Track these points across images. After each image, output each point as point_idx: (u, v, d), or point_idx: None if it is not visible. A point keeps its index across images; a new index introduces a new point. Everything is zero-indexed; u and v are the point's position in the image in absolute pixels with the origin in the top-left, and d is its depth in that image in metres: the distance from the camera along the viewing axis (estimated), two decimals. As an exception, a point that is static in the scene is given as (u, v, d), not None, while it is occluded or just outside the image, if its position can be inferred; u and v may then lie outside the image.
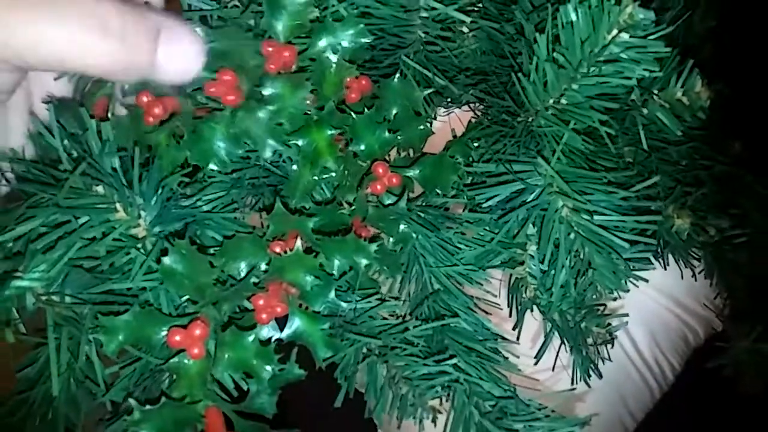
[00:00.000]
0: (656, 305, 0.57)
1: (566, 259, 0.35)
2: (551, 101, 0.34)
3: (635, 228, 0.35)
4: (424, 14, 0.33)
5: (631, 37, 0.30)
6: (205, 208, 0.35)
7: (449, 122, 0.45)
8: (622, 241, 0.33)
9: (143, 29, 0.30)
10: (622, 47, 0.31)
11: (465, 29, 0.36)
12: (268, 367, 0.29)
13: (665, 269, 0.48)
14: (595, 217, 0.34)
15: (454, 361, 0.33)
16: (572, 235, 0.35)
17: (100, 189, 0.31)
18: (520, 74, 0.33)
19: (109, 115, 0.35)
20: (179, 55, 0.31)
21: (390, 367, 0.33)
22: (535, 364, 0.40)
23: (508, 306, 0.41)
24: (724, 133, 0.48)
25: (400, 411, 0.33)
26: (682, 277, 0.51)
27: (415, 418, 0.33)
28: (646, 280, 0.35)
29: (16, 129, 0.34)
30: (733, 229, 0.46)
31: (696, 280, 0.52)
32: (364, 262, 0.33)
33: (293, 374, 0.31)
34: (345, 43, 0.33)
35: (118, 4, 0.29)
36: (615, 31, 0.30)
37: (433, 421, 0.33)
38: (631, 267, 0.35)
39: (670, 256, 0.48)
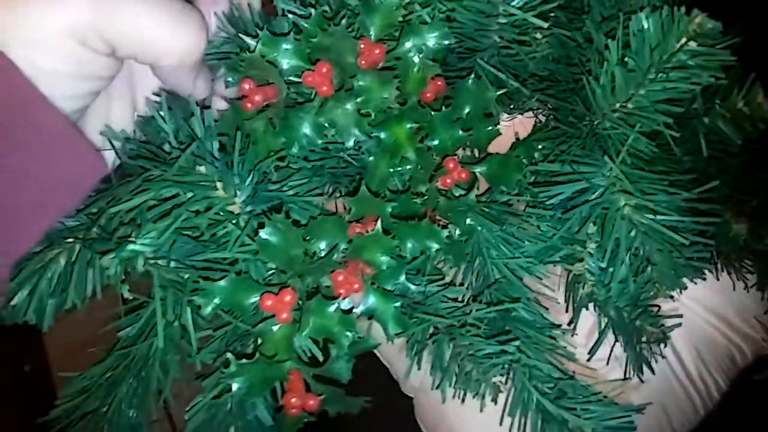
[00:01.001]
0: (703, 323, 0.58)
1: (626, 255, 0.37)
2: (618, 105, 0.36)
3: (694, 229, 0.36)
4: (503, 20, 0.36)
5: (699, 45, 0.32)
6: (290, 192, 0.38)
7: (513, 127, 0.47)
8: (683, 240, 0.35)
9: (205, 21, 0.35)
10: (689, 55, 0.33)
11: (539, 35, 0.38)
12: (349, 334, 0.32)
13: (718, 279, 0.49)
14: (657, 216, 0.36)
15: (517, 343, 0.35)
16: (633, 233, 0.37)
17: (202, 169, 0.35)
18: (590, 78, 0.35)
19: (213, 110, 0.38)
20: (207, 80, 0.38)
21: (456, 345, 0.36)
22: (588, 359, 0.42)
23: (566, 301, 0.42)
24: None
25: (465, 386, 0.35)
26: (734, 289, 0.52)
27: (477, 393, 0.35)
28: (704, 277, 0.37)
29: (117, 115, 0.37)
30: (788, 240, 0.47)
31: (748, 291, 0.52)
32: (435, 246, 0.36)
33: (369, 344, 0.33)
34: (430, 44, 0.36)
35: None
36: (684, 40, 0.32)
37: (493, 399, 0.36)
38: (690, 266, 0.36)
39: (723, 268, 0.49)
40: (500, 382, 0.36)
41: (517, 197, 0.41)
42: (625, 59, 0.34)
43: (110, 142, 0.35)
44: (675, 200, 0.36)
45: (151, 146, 0.36)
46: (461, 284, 0.41)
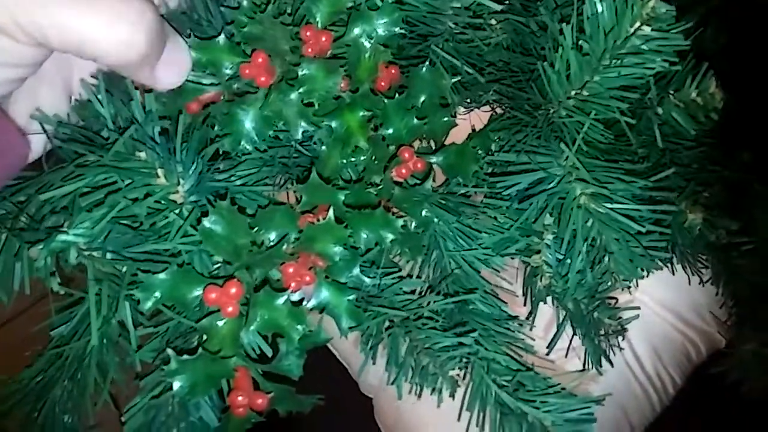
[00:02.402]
0: (659, 319, 0.58)
1: (583, 245, 0.37)
2: (573, 92, 0.36)
3: (651, 218, 0.36)
4: (456, 4, 0.35)
5: (652, 30, 0.32)
6: (237, 182, 0.37)
7: (469, 120, 0.47)
8: (640, 228, 0.34)
9: (162, 31, 0.30)
10: (643, 39, 0.33)
11: (493, 21, 0.38)
12: (299, 327, 0.30)
13: (673, 274, 0.50)
14: (613, 205, 0.35)
15: (474, 335, 0.34)
16: (590, 222, 0.36)
17: (142, 155, 0.32)
18: (545, 64, 0.35)
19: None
20: (173, 67, 0.33)
21: (412, 338, 0.34)
22: (548, 354, 0.41)
23: (523, 294, 0.42)
24: (733, 141, 0.49)
25: (421, 380, 0.34)
26: (689, 284, 0.52)
27: (435, 388, 0.34)
28: (661, 268, 0.37)
29: (45, 98, 0.34)
30: (741, 234, 0.48)
31: (703, 286, 0.53)
32: (390, 237, 0.35)
33: (321, 338, 0.32)
34: (380, 31, 0.35)
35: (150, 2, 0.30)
36: (638, 24, 0.32)
37: (451, 394, 0.34)
38: (648, 255, 0.36)
39: (677, 264, 0.50)
40: (457, 375, 0.35)
41: (474, 188, 0.40)
42: (579, 43, 0.33)
43: (41, 126, 0.33)
44: (631, 188, 0.36)
45: (86, 131, 0.34)
46: (418, 277, 0.40)
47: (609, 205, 0.35)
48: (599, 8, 0.32)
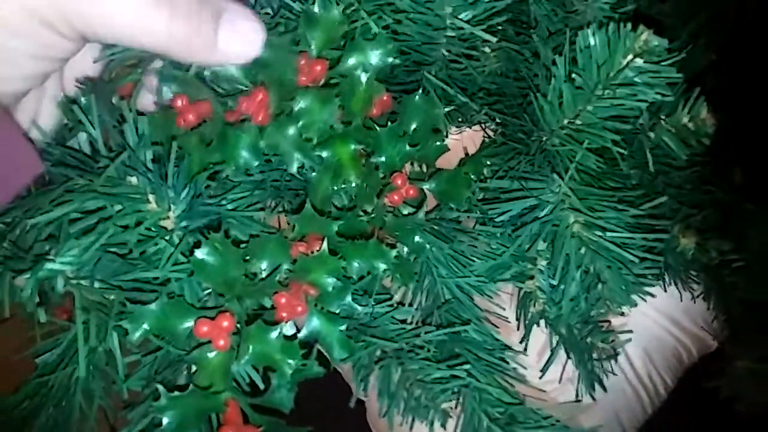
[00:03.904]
0: (652, 323, 0.58)
1: (576, 272, 0.37)
2: (566, 121, 0.36)
3: (643, 245, 0.36)
4: (450, 33, 0.35)
5: (645, 62, 0.32)
6: (229, 207, 0.36)
7: (461, 140, 0.47)
8: (632, 257, 0.34)
9: (207, 10, 0.30)
10: (636, 72, 0.33)
11: (487, 49, 0.38)
12: (291, 361, 0.30)
13: (665, 290, 0.50)
14: (606, 233, 0.35)
15: (467, 367, 0.34)
16: (583, 250, 0.36)
17: (133, 180, 0.32)
18: (538, 94, 0.35)
19: (132, 100, 0.35)
20: (239, 38, 0.31)
21: (405, 369, 0.34)
22: (541, 378, 0.41)
23: (517, 319, 0.42)
24: (726, 161, 0.50)
25: (413, 413, 0.33)
26: (681, 299, 0.52)
27: (426, 420, 0.33)
28: (654, 296, 0.37)
29: (46, 111, 0.34)
30: (733, 253, 0.48)
31: (695, 301, 0.53)
32: (382, 267, 0.34)
33: (313, 371, 0.31)
34: (374, 61, 0.34)
35: None
36: (630, 57, 0.32)
37: (443, 425, 0.34)
38: (640, 283, 0.36)
39: (670, 281, 0.50)
40: (450, 407, 0.35)
41: (466, 214, 0.40)
42: (572, 76, 0.33)
43: (32, 144, 0.32)
44: (623, 217, 0.36)
45: (77, 152, 0.34)
46: (410, 304, 0.40)
47: (601, 234, 0.35)
48: (592, 41, 0.32)
